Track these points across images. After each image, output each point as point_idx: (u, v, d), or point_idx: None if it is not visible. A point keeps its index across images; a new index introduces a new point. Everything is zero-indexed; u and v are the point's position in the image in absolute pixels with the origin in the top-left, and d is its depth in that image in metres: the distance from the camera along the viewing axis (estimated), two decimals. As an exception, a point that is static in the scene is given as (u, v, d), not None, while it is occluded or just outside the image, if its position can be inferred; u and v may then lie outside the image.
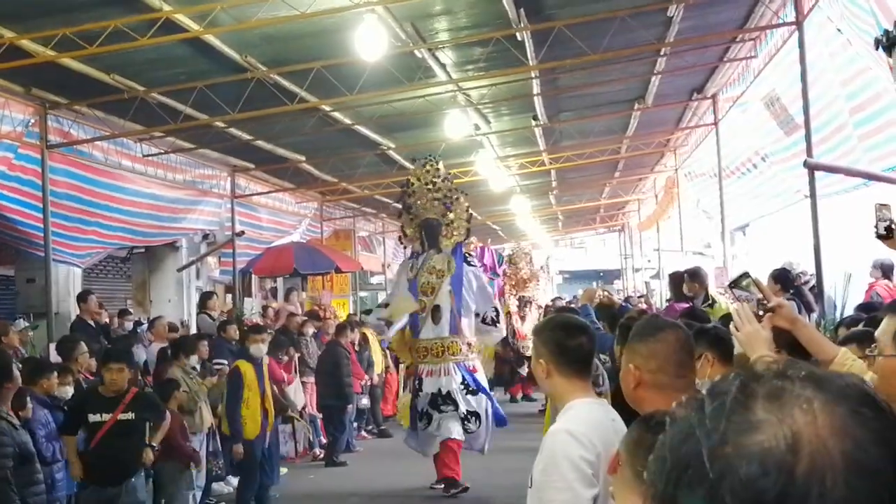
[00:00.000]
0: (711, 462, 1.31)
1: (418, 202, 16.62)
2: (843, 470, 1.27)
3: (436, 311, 16.07)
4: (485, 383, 16.54)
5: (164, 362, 15.37)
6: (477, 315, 16.43)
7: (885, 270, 15.07)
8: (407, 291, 16.30)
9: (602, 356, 10.42)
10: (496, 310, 16.82)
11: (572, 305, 24.94)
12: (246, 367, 14.19)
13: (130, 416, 11.18)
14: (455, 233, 16.53)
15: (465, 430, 15.68)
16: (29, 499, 8.83)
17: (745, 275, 5.90)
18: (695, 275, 15.01)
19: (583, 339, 4.97)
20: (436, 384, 15.74)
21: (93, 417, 11.14)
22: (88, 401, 11.50)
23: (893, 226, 7.29)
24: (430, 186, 16.60)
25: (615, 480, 3.61)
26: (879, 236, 7.36)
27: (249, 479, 14.52)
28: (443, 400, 15.65)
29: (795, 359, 1.77)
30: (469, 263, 16.76)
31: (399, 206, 17.36)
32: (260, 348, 14.63)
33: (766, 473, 1.27)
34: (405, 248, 17.57)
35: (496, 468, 16.55)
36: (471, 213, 17.63)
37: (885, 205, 7.43)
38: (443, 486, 15.71)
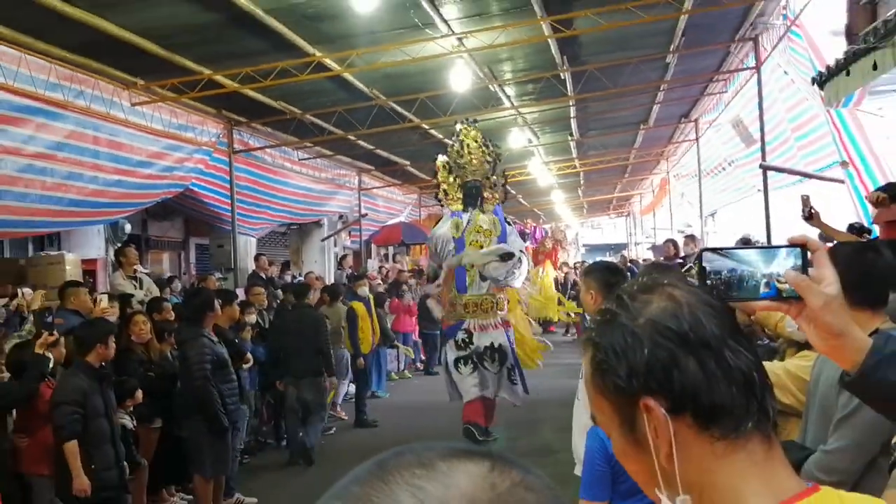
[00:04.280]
0: (641, 330, 1.41)
1: (473, 161, 12.91)
2: (708, 309, 1.43)
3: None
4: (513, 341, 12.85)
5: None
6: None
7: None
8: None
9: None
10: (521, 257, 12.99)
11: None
12: (357, 306, 14.59)
13: None
14: (496, 194, 12.91)
15: (511, 382, 12.35)
16: (225, 392, 8.96)
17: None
18: (692, 237, 14.81)
19: (621, 277, 5.15)
20: (489, 338, 12.30)
21: None
22: None
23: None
24: (485, 149, 12.99)
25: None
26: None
27: (364, 383, 14.86)
28: (490, 354, 12.29)
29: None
30: (508, 223, 13.17)
31: (445, 163, 13.27)
32: (364, 290, 15.18)
33: (672, 316, 1.41)
34: (443, 206, 13.56)
35: (540, 387, 13.95)
36: (507, 177, 13.59)
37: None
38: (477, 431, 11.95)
